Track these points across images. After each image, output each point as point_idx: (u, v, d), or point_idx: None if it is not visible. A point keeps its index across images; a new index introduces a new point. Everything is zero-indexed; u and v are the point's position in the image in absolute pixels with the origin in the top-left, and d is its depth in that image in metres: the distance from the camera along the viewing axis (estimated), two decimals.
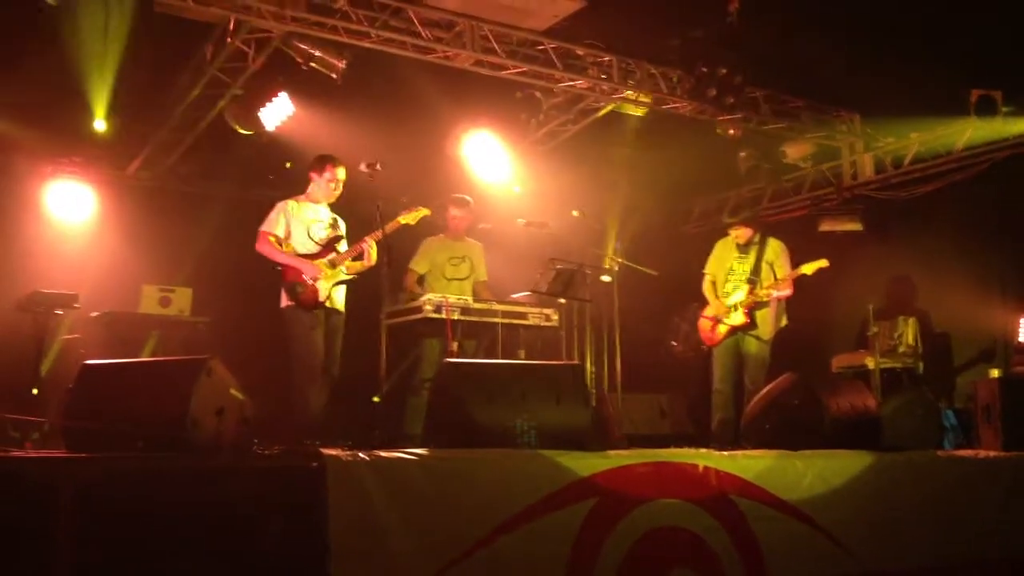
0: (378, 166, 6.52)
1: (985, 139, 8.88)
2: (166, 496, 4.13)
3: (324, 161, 6.85)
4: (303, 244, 6.65)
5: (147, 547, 4.03)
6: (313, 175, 6.86)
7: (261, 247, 6.59)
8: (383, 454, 4.51)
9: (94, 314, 8.04)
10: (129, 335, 8.06)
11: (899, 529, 5.54)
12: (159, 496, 4.11)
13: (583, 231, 8.30)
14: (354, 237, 6.87)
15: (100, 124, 8.02)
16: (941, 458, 6.09)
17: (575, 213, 7.95)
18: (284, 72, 8.02)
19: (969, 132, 8.95)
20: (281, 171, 9.53)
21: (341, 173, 6.83)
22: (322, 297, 6.52)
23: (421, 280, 7.69)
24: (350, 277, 6.70)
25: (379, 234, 6.61)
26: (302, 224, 6.70)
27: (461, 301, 7.04)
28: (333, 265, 6.62)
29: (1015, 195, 8.79)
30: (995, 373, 8.00)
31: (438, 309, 6.85)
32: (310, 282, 6.51)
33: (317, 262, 6.58)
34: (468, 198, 7.97)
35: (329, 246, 6.68)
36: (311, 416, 6.39)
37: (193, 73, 8.22)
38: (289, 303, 6.51)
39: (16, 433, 6.48)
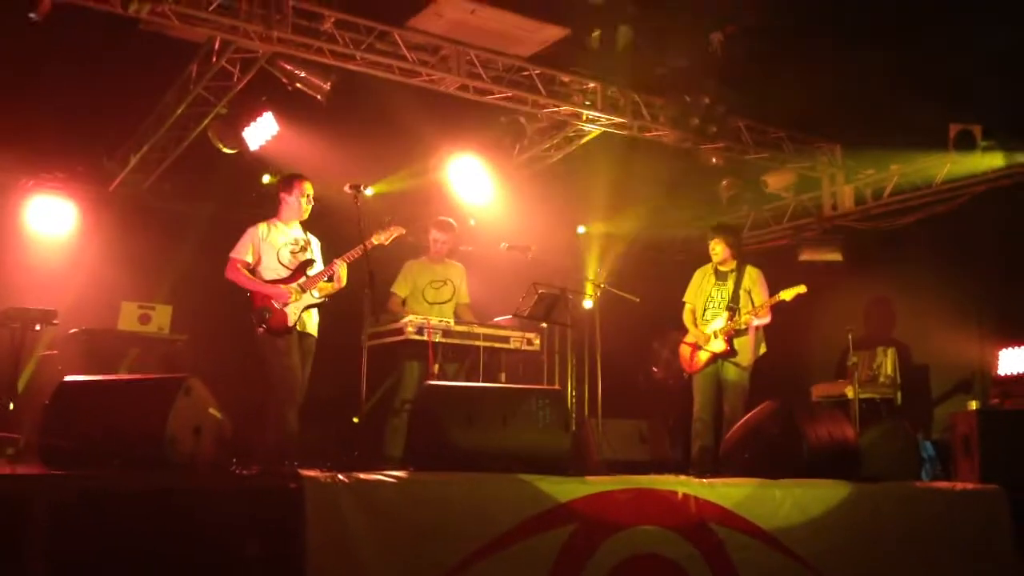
0: (361, 187, 6.53)
1: (964, 173, 8.96)
2: (142, 515, 4.10)
3: (292, 179, 6.82)
4: (273, 269, 6.60)
5: (122, 566, 4.00)
6: (283, 195, 6.80)
7: (230, 274, 6.55)
8: (362, 476, 4.50)
9: (72, 330, 7.98)
10: (107, 352, 7.99)
11: (877, 559, 5.56)
12: (135, 515, 4.08)
13: (568, 255, 8.32)
14: (334, 255, 6.84)
15: None
16: (919, 489, 6.12)
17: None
18: (269, 92, 8.03)
19: (948, 166, 9.04)
20: (261, 189, 9.52)
21: (310, 188, 6.81)
22: (291, 321, 6.46)
23: (404, 303, 7.67)
24: (320, 300, 6.65)
25: (351, 255, 6.61)
26: (272, 248, 6.64)
27: (443, 323, 7.04)
28: (303, 289, 6.56)
29: (993, 228, 8.88)
30: (973, 405, 8.04)
31: (420, 331, 6.84)
32: (279, 307, 6.45)
33: (287, 287, 6.53)
34: (452, 221, 7.96)
35: (300, 270, 6.62)
36: (288, 437, 6.33)
37: (178, 91, 8.21)
38: (260, 329, 6.46)
39: None
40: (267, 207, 7.01)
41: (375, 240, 6.66)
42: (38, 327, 7.56)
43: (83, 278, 8.75)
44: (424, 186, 9.61)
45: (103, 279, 8.73)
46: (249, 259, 6.58)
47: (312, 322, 6.68)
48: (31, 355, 7.98)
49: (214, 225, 9.35)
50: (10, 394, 7.06)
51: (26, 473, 4.57)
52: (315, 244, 6.88)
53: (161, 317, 8.35)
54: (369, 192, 7.59)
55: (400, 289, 7.69)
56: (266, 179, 9.31)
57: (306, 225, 6.90)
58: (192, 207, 9.87)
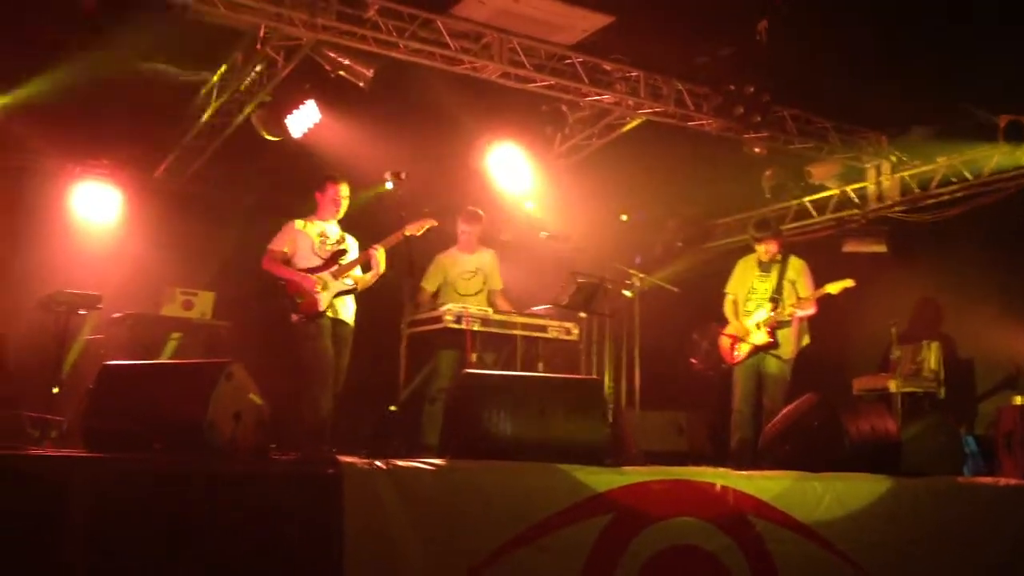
0: (403, 175, 6.56)
1: (1013, 164, 8.81)
2: (181, 499, 4.14)
3: (325, 180, 7.01)
4: (307, 259, 6.80)
5: (161, 549, 4.04)
6: (317, 194, 7.03)
7: (266, 264, 6.78)
8: (399, 463, 4.51)
9: (116, 315, 8.07)
10: (150, 337, 8.09)
11: (917, 555, 5.48)
12: (174, 498, 4.12)
13: (608, 244, 8.29)
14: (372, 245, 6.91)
15: None
16: (961, 485, 6.03)
17: (623, 217, 7.93)
18: (312, 80, 8.07)
19: (996, 157, 8.88)
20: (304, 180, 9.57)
21: (344, 190, 6.98)
22: (322, 307, 6.64)
23: (434, 297, 7.68)
24: (352, 287, 6.81)
25: (388, 242, 6.77)
26: (308, 240, 6.85)
27: (481, 312, 7.03)
28: (335, 277, 6.75)
29: None
30: (1018, 400, 7.90)
31: (458, 319, 6.85)
32: (310, 292, 6.64)
33: (319, 275, 6.70)
34: (479, 211, 7.94)
35: (332, 259, 6.81)
36: (321, 422, 6.44)
37: (222, 79, 8.28)
38: (294, 316, 6.60)
39: (36, 431, 6.53)
40: (308, 196, 7.09)
41: (407, 232, 6.71)
42: (83, 312, 7.66)
43: (127, 264, 8.87)
44: (466, 174, 9.61)
45: (147, 265, 8.84)
46: (286, 250, 6.79)
47: (347, 310, 6.80)
48: (76, 339, 8.11)
49: (257, 213, 9.43)
50: (55, 377, 7.17)
51: (68, 455, 4.64)
52: (352, 243, 7.02)
53: (204, 303, 8.44)
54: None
55: (429, 284, 7.71)
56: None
57: (347, 212, 6.97)
58: (235, 195, 9.97)
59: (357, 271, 6.88)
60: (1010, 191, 8.94)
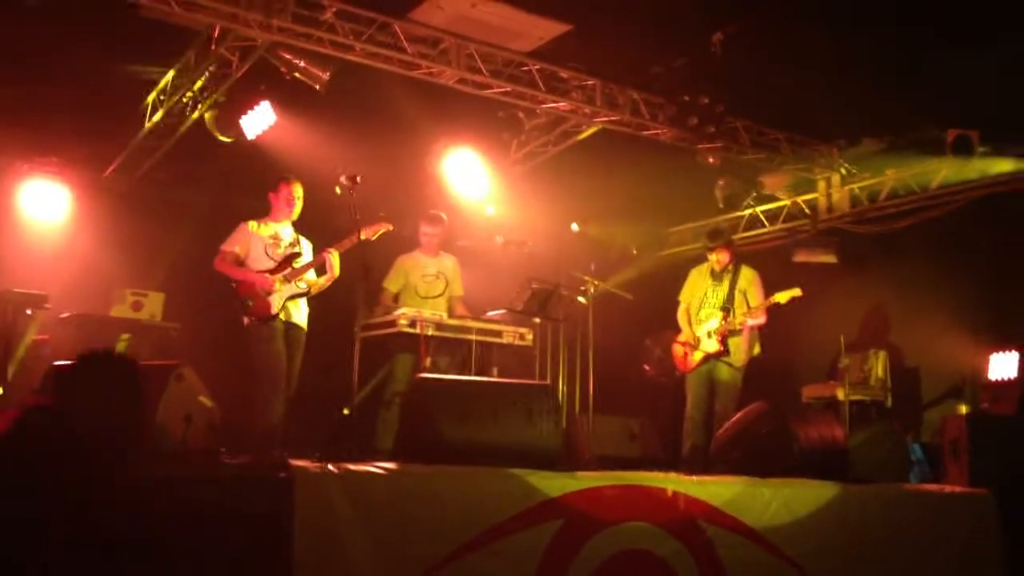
0: (358, 179, 6.53)
1: (960, 178, 8.98)
2: (129, 501, 4.08)
3: (279, 180, 6.98)
4: (260, 261, 6.75)
5: (109, 553, 3.98)
6: (271, 195, 6.98)
7: (219, 265, 6.72)
8: (352, 467, 4.49)
9: (64, 315, 7.97)
10: (99, 338, 7.97)
11: (863, 560, 5.55)
12: (122, 501, 4.07)
13: (563, 250, 8.32)
14: (327, 247, 6.88)
15: None
16: (907, 491, 6.12)
17: (574, 227, 7.96)
18: (267, 81, 8.01)
19: (944, 171, 9.05)
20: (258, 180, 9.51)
21: (297, 190, 6.95)
22: (274, 310, 6.60)
23: (396, 298, 7.66)
24: (305, 291, 6.77)
25: (342, 245, 6.74)
26: (260, 242, 6.80)
27: (436, 316, 7.02)
28: (288, 279, 6.70)
29: (988, 234, 8.89)
30: (963, 409, 8.07)
31: (412, 324, 6.83)
32: (262, 295, 6.59)
33: (271, 276, 6.66)
34: (442, 215, 7.93)
35: (285, 262, 6.76)
36: (273, 426, 6.40)
37: (175, 79, 8.19)
38: (246, 319, 6.57)
39: None
40: (262, 198, 7.03)
41: (362, 236, 6.68)
42: (29, 311, 7.54)
43: (76, 264, 8.74)
44: (422, 179, 9.60)
45: (96, 265, 8.72)
46: (238, 251, 6.73)
47: (299, 313, 6.77)
48: (22, 339, 7.97)
49: (209, 214, 9.34)
50: (0, 378, 7.04)
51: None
52: (306, 245, 6.99)
53: (153, 304, 8.36)
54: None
55: (391, 285, 7.68)
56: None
57: (301, 215, 6.94)
58: (187, 195, 9.86)
59: (311, 274, 6.84)
60: (957, 204, 9.11)
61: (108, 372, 4.37)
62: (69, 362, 5.18)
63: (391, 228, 6.97)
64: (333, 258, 6.74)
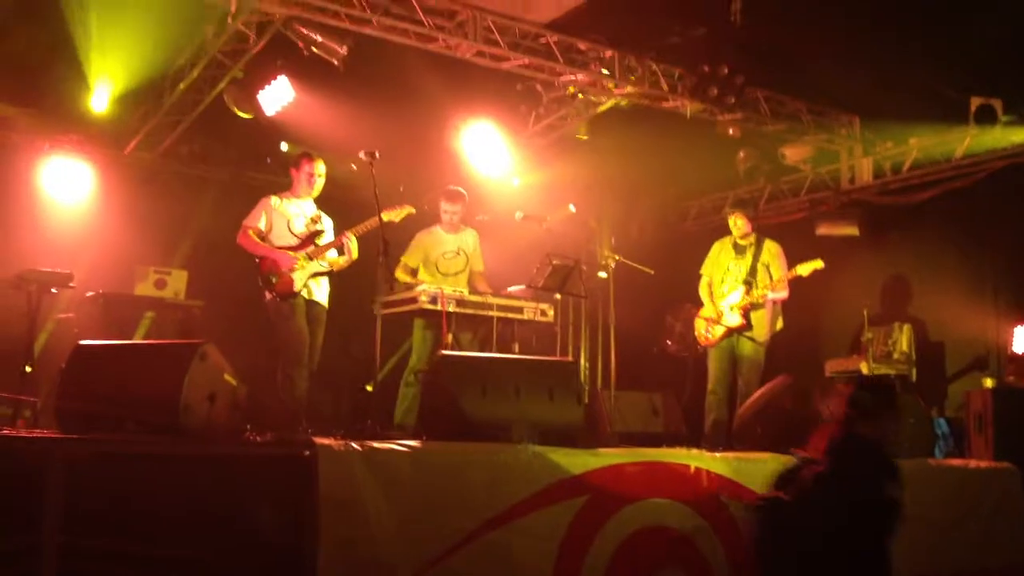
0: (376, 154, 6.51)
1: (984, 148, 8.86)
2: (156, 479, 4.12)
3: (301, 157, 7.02)
4: (283, 237, 6.79)
5: (135, 530, 4.03)
6: (292, 172, 7.02)
7: (242, 240, 6.76)
8: (375, 445, 4.51)
9: (89, 294, 7.99)
10: (123, 316, 8.03)
11: None
12: (148, 479, 4.10)
13: (581, 227, 8.28)
14: (349, 226, 6.89)
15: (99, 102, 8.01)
16: (932, 466, 6.11)
17: (571, 208, 7.92)
18: (285, 56, 7.99)
19: (968, 140, 8.94)
20: (278, 156, 9.51)
21: (320, 167, 6.98)
22: (297, 287, 6.64)
23: (414, 273, 7.62)
24: (326, 269, 6.83)
25: (361, 228, 6.77)
26: (283, 218, 6.83)
27: (456, 293, 7.00)
28: (310, 257, 6.75)
29: (1012, 205, 8.78)
30: (988, 383, 8.00)
31: (433, 300, 6.81)
32: (285, 272, 6.62)
33: (294, 253, 6.68)
34: (462, 190, 7.85)
35: (308, 239, 6.81)
36: (296, 403, 6.46)
37: (193, 54, 8.18)
38: (269, 295, 6.61)
39: (8, 411, 6.47)
40: (282, 173, 7.05)
41: (385, 217, 6.69)
42: (54, 290, 7.56)
43: (99, 242, 8.76)
44: (440, 153, 9.56)
45: (119, 243, 8.73)
46: (261, 226, 6.77)
47: (321, 291, 6.81)
48: (47, 318, 8.02)
49: (230, 189, 9.36)
50: (27, 357, 7.09)
51: (43, 435, 4.60)
52: (328, 222, 7.02)
53: (177, 282, 8.37)
54: None
55: (411, 259, 7.61)
56: (284, 147, 9.30)
57: (323, 191, 6.95)
58: (208, 171, 9.88)
59: (332, 253, 6.85)
60: (981, 175, 8.99)
61: None
62: (94, 341, 5.20)
63: (413, 211, 7.00)
64: (351, 243, 6.77)
